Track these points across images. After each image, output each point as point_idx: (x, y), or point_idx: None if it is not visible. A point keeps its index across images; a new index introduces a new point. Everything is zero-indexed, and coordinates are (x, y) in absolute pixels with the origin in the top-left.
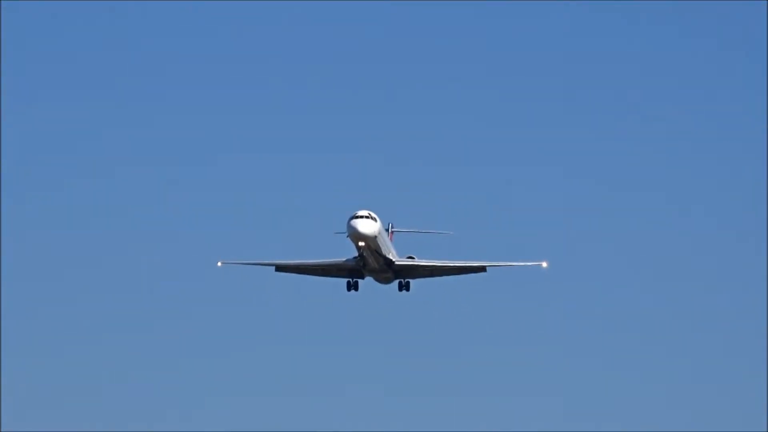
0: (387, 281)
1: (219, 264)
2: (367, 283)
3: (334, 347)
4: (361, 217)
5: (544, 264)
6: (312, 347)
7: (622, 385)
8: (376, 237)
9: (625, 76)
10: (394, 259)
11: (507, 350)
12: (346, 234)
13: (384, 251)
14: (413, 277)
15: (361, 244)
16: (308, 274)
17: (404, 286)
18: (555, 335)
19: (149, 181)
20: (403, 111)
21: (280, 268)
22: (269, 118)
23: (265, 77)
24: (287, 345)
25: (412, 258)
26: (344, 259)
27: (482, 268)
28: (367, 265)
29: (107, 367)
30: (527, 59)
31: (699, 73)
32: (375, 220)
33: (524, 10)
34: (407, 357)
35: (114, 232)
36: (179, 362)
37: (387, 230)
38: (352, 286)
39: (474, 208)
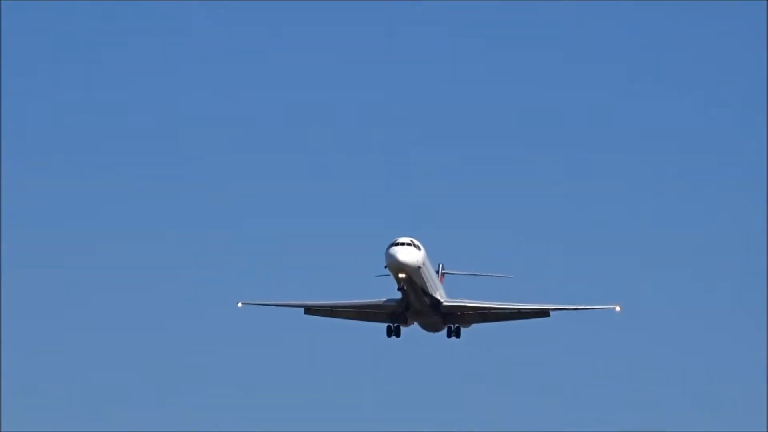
0: (435, 328)
1: (239, 305)
2: (411, 329)
3: (370, 402)
4: (402, 244)
5: (618, 308)
6: (344, 401)
7: None
8: (419, 268)
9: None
10: (442, 300)
11: (574, 409)
12: (385, 264)
13: (430, 289)
14: (465, 323)
15: (402, 275)
16: (342, 317)
17: (454, 332)
18: (631, 392)
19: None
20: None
21: (309, 310)
22: (302, 140)
23: (294, 100)
24: (316, 399)
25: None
26: (384, 300)
27: (545, 312)
28: (410, 306)
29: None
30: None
31: (699, 74)
32: (419, 248)
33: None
34: (453, 416)
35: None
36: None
37: (437, 272)
38: (393, 332)
39: (535, 250)
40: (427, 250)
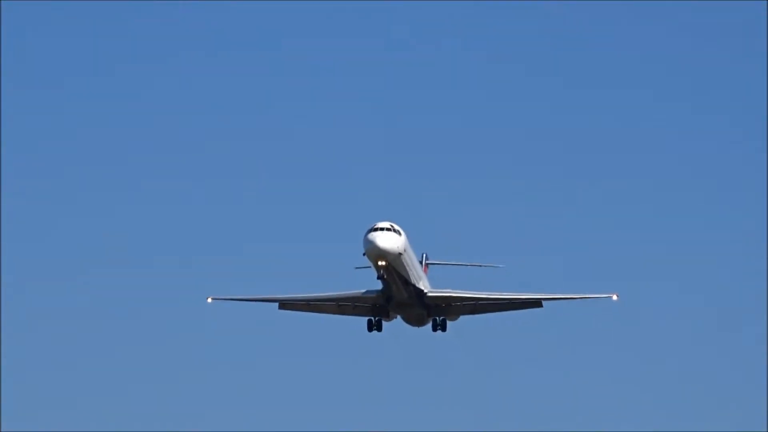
0: (419, 321)
1: (209, 300)
2: (394, 323)
3: (349, 400)
4: (382, 229)
5: (615, 297)
6: (322, 401)
7: None
8: (400, 255)
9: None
10: (426, 290)
11: (566, 405)
12: (363, 251)
13: (412, 278)
14: (451, 315)
15: (382, 263)
16: (320, 311)
17: (439, 325)
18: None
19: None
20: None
21: (284, 304)
22: (270, 130)
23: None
24: (292, 397)
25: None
26: (363, 291)
27: (537, 303)
28: (392, 298)
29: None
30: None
31: (699, 74)
32: (399, 233)
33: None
34: (438, 413)
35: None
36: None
37: (421, 262)
38: (374, 326)
39: (526, 240)
40: (408, 237)
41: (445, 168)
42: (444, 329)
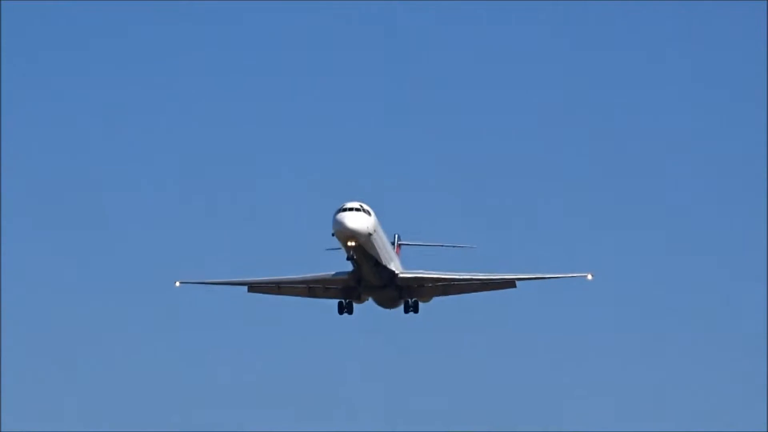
0: (390, 303)
1: (177, 284)
2: (365, 306)
3: (321, 383)
4: (351, 209)
5: (589, 276)
6: (294, 383)
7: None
8: (370, 235)
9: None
10: (397, 271)
11: (541, 388)
12: (332, 232)
13: (383, 259)
14: (424, 297)
15: (351, 244)
16: (289, 294)
17: (411, 307)
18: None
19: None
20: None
21: (253, 287)
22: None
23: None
24: (262, 382)
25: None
26: (333, 273)
27: (510, 283)
28: (363, 279)
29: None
30: (533, 61)
31: (698, 74)
32: (369, 213)
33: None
34: (410, 396)
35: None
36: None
37: (393, 243)
38: (345, 308)
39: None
40: (378, 217)
41: (420, 150)
42: (416, 311)
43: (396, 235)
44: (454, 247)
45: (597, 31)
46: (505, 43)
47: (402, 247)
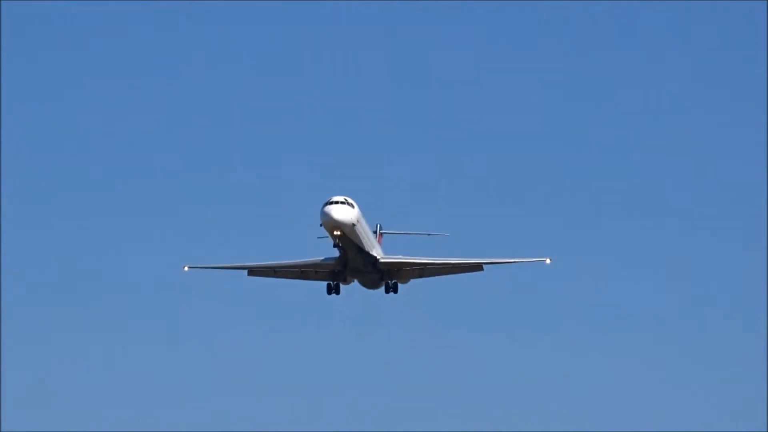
0: (373, 284)
1: (185, 269)
2: (351, 287)
3: (312, 357)
4: (337, 202)
5: (548, 260)
6: (287, 357)
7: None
8: (354, 225)
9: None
10: (378, 257)
11: (506, 361)
12: (320, 223)
13: (366, 246)
14: (402, 279)
15: (337, 233)
16: (284, 277)
17: (391, 288)
18: (562, 340)
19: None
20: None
21: (253, 271)
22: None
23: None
24: (260, 356)
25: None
26: (322, 258)
27: (478, 266)
28: (348, 264)
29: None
30: (523, 54)
31: (698, 73)
32: (353, 206)
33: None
34: (392, 367)
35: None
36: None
37: (375, 232)
38: (333, 289)
39: (471, 209)
40: (362, 209)
41: (403, 146)
42: (396, 291)
43: (378, 225)
44: (429, 234)
45: (597, 30)
46: (492, 41)
47: (384, 235)
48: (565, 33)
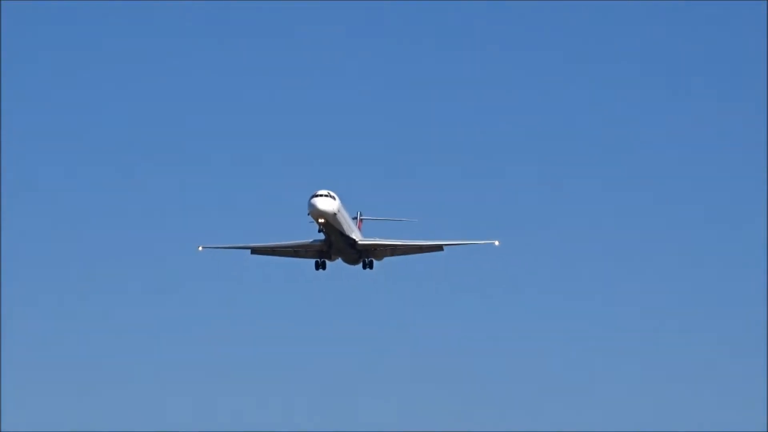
0: (354, 262)
1: (200, 248)
2: (335, 264)
3: (302, 321)
4: (321, 195)
5: (497, 242)
6: (281, 322)
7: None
8: (335, 214)
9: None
10: (357, 239)
11: (457, 322)
12: (307, 212)
13: (346, 230)
14: (377, 257)
15: (321, 220)
16: (281, 255)
17: (368, 265)
18: (506, 310)
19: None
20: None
21: (255, 250)
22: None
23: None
24: (259, 320)
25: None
26: (311, 240)
27: (439, 247)
28: (332, 245)
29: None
30: (505, 44)
31: (698, 73)
32: (334, 198)
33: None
34: (367, 329)
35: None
36: (166, 336)
37: (355, 219)
38: (320, 266)
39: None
40: (342, 201)
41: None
42: (371, 267)
43: (359, 212)
44: (401, 221)
45: (596, 30)
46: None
47: (363, 221)
48: (565, 33)
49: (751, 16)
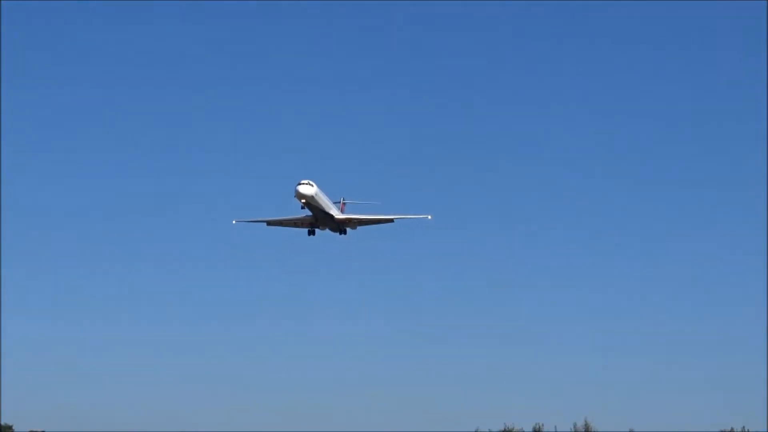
0: (335, 230)
1: (234, 222)
2: (322, 232)
3: (299, 270)
4: (303, 183)
5: (429, 216)
6: (286, 270)
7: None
8: (314, 196)
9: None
10: (335, 215)
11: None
12: (294, 195)
13: (326, 208)
14: (352, 227)
15: (304, 201)
16: (286, 225)
17: (342, 232)
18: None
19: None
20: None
21: (270, 222)
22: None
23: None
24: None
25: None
26: (305, 215)
27: (391, 220)
28: (318, 219)
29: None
30: (496, 45)
31: (698, 73)
32: (312, 185)
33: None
34: (341, 274)
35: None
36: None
37: (338, 202)
38: (311, 233)
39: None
40: (321, 187)
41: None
42: (345, 233)
43: (342, 198)
44: (368, 203)
45: (596, 30)
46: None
47: (346, 204)
48: (564, 32)
49: (751, 16)
